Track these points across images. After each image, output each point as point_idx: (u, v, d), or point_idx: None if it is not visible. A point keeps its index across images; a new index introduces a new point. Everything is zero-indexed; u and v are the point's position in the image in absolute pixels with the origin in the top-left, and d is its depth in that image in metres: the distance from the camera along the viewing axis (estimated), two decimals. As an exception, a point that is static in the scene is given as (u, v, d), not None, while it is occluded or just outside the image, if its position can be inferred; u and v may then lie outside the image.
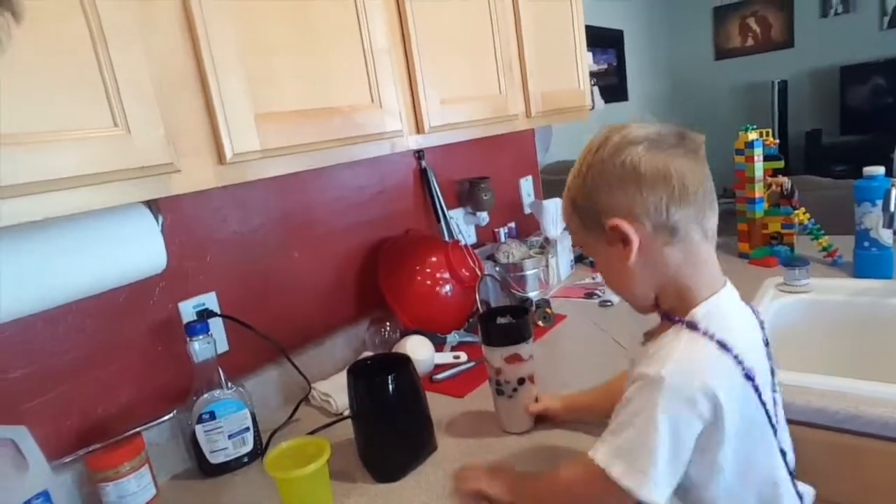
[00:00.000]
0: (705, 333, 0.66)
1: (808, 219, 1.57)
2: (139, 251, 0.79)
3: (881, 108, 4.78)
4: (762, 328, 0.76)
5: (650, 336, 0.74)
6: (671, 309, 0.71)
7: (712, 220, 0.69)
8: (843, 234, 1.51)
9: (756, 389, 0.66)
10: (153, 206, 0.84)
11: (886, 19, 4.81)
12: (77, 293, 0.75)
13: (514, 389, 0.94)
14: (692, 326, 0.67)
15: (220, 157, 0.74)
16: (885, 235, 1.35)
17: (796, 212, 1.58)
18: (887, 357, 1.24)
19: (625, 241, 0.68)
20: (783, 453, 0.72)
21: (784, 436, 0.74)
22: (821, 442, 0.71)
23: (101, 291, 0.78)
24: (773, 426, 0.70)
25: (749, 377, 0.65)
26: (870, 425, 0.91)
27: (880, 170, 1.36)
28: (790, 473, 0.73)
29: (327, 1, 0.87)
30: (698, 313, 0.67)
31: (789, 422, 0.77)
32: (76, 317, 0.90)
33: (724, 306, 0.69)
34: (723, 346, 0.65)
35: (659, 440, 0.63)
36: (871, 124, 4.72)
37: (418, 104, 1.05)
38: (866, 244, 1.38)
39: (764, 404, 0.68)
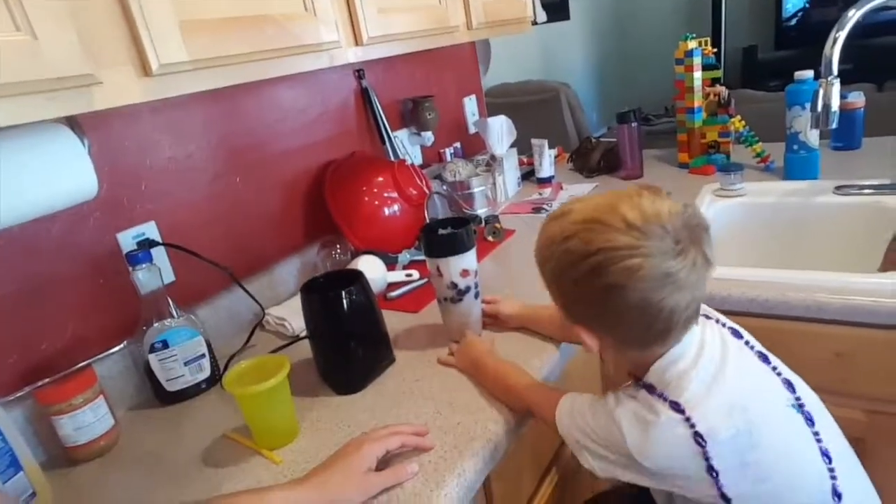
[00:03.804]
0: (661, 396, 0.64)
1: (744, 126, 1.62)
2: (67, 174, 0.74)
3: (814, 23, 4.88)
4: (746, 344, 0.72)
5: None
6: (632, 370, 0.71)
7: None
8: (776, 142, 1.56)
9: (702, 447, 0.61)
10: (76, 127, 0.78)
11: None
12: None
13: (473, 294, 0.95)
14: (649, 388, 0.66)
15: (146, 69, 0.68)
16: (813, 137, 1.41)
17: (732, 120, 1.62)
18: (812, 249, 1.34)
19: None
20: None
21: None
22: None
23: (27, 220, 0.73)
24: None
25: (699, 439, 0.61)
26: (795, 309, 0.99)
27: (810, 73, 1.40)
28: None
29: None
30: (654, 374, 0.66)
31: (729, 313, 0.76)
32: (3, 252, 0.85)
33: (686, 356, 0.66)
34: (676, 406, 0.62)
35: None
36: (804, 39, 4.82)
37: (354, 13, 1.00)
38: (795, 147, 1.44)
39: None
